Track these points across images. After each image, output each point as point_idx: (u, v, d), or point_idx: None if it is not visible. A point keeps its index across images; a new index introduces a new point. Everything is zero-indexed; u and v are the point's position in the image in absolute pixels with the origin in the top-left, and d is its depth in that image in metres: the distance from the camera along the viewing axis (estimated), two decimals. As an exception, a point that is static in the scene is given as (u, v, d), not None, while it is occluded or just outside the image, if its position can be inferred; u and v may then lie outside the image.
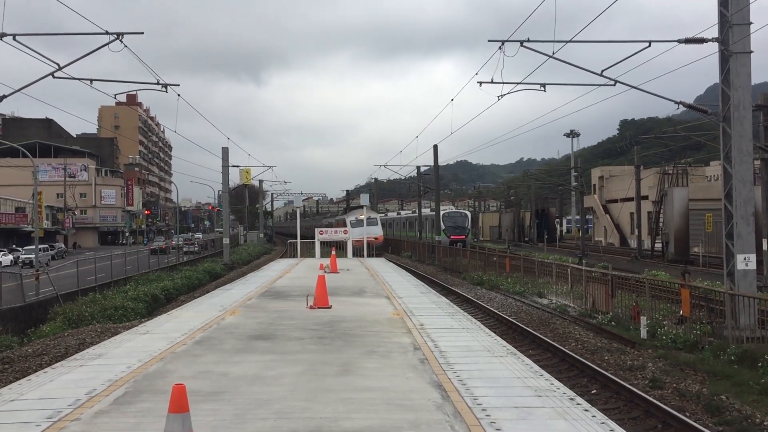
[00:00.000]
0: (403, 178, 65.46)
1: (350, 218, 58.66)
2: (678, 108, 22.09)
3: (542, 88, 19.11)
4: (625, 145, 78.70)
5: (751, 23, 17.04)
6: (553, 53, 17.63)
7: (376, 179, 75.89)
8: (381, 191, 73.75)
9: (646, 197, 54.00)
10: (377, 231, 58.47)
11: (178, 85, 21.30)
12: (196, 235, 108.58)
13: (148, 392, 7.42)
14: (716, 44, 17.58)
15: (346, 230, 35.98)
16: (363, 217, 51.26)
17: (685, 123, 57.73)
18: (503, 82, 18.95)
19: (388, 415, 6.48)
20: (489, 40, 18.22)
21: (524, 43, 17.74)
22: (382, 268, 26.65)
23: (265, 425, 6.20)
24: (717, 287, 19.13)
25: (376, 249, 51.84)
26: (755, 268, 17.41)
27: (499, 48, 18.10)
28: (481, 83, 19.11)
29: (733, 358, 14.74)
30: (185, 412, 4.20)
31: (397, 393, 7.33)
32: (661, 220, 47.65)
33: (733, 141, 17.11)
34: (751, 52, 17.09)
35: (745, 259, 16.96)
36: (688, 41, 17.99)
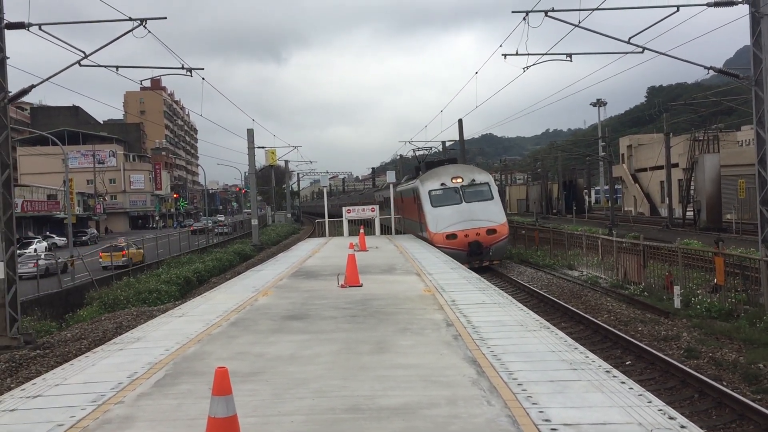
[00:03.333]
0: (428, 153, 64.89)
1: (427, 187, 30.30)
2: (708, 73, 21.65)
3: (568, 58, 18.84)
4: (654, 112, 77.45)
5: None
6: (579, 22, 17.35)
7: (401, 155, 75.59)
8: (407, 168, 73.48)
9: (676, 165, 53.19)
10: (494, 213, 29.19)
11: (203, 69, 21.37)
12: (219, 218, 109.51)
13: (187, 374, 7.56)
14: (746, 6, 17.17)
15: (373, 208, 35.84)
16: (458, 182, 29.39)
17: (715, 88, 56.63)
18: (528, 54, 18.72)
19: (424, 392, 6.53)
20: (513, 12, 18.00)
21: (549, 13, 17.49)
22: (411, 245, 26.72)
23: (303, 404, 6.29)
24: (752, 254, 18.87)
25: (496, 253, 29.24)
26: (791, 234, 17.12)
27: (523, 19, 17.86)
28: (505, 56, 18.90)
29: (769, 325, 14.57)
30: (228, 394, 4.28)
31: (433, 370, 7.37)
32: (692, 187, 46.96)
33: (766, 105, 16.76)
34: (784, 12, 16.66)
35: (780, 225, 16.67)
36: (717, 4, 17.59)
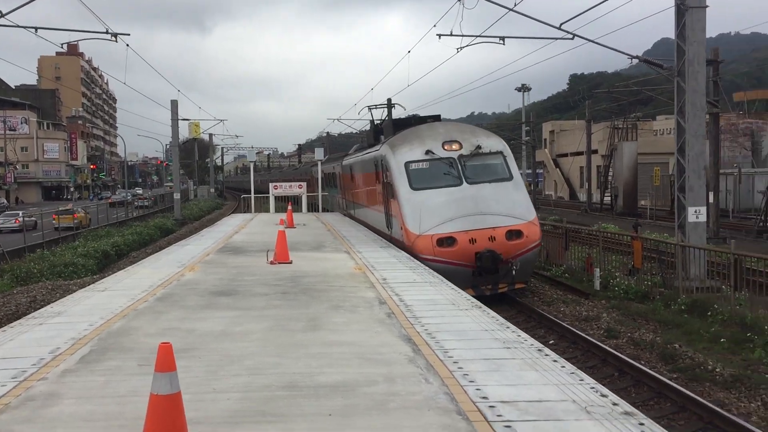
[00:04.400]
0: (356, 132, 64.62)
1: (403, 156, 18.00)
2: (631, 62, 22.28)
3: (501, 41, 19.02)
4: (576, 99, 79.50)
5: (707, 6, 17.17)
6: (515, 6, 17.52)
7: (328, 133, 75.16)
8: (334, 146, 73.01)
9: (596, 151, 54.87)
10: (517, 203, 17.28)
11: (129, 35, 20.52)
12: (138, 191, 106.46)
13: (114, 350, 7.27)
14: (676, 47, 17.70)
15: (300, 185, 35.45)
16: (454, 149, 17.69)
17: (633, 78, 58.48)
18: (462, 35, 18.81)
19: (361, 369, 6.48)
20: (448, -8, 17.96)
21: (484, -5, 17.54)
22: (339, 223, 26.57)
23: (239, 381, 6.15)
24: (667, 239, 19.65)
25: (522, 271, 17.07)
26: (705, 220, 17.91)
27: (459, 0, 17.90)
28: (440, 36, 18.93)
29: (683, 307, 15.24)
30: (173, 371, 4.11)
31: (368, 347, 7.34)
32: (610, 173, 48.56)
33: (687, 96, 17.39)
34: (707, 6, 17.27)
35: (695, 211, 17.41)
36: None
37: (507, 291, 17.00)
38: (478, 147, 17.61)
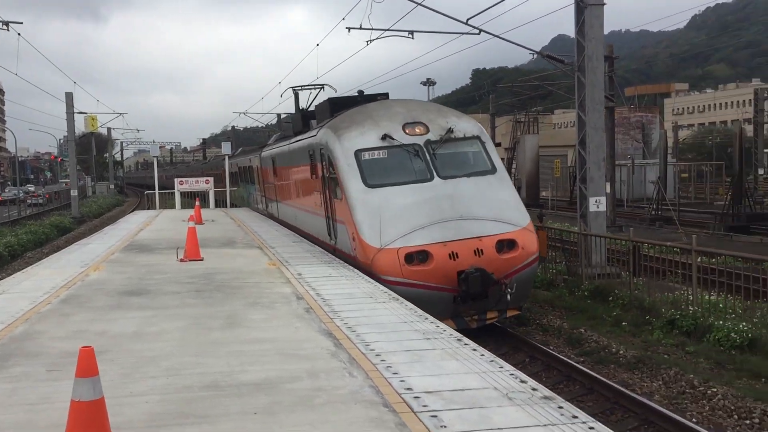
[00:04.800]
0: (263, 126, 63.69)
1: (351, 143, 13.67)
2: (533, 56, 22.99)
3: (410, 36, 19.21)
4: (480, 94, 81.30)
5: (604, 3, 17.88)
6: (423, 0, 17.70)
7: (233, 127, 73.80)
8: (240, 140, 71.76)
9: (499, 144, 56.33)
10: (506, 203, 13.26)
11: (22, 23, 19.44)
12: (29, 188, 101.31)
13: (18, 356, 6.90)
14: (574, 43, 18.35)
15: (207, 180, 34.62)
16: (419, 133, 13.66)
17: (533, 72, 60.37)
18: (372, 29, 18.86)
19: (283, 366, 6.42)
20: (357, -15, 17.96)
21: (392, -11, 17.62)
22: (249, 218, 26.16)
23: (157, 383, 5.97)
24: (570, 228, 20.43)
25: (519, 294, 12.79)
26: (605, 209, 18.72)
27: (367, -7, 17.91)
28: (349, 29, 18.93)
29: (586, 293, 15.89)
30: (95, 375, 3.93)
31: (289, 343, 7.27)
32: (514, 166, 49.98)
33: (587, 90, 18.09)
34: (604, 4, 18.00)
35: (596, 201, 18.17)
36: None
37: (498, 321, 13.23)
38: (450, 131, 13.55)
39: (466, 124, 14.16)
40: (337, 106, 16.99)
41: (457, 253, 12.06)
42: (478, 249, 12.19)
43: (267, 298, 9.74)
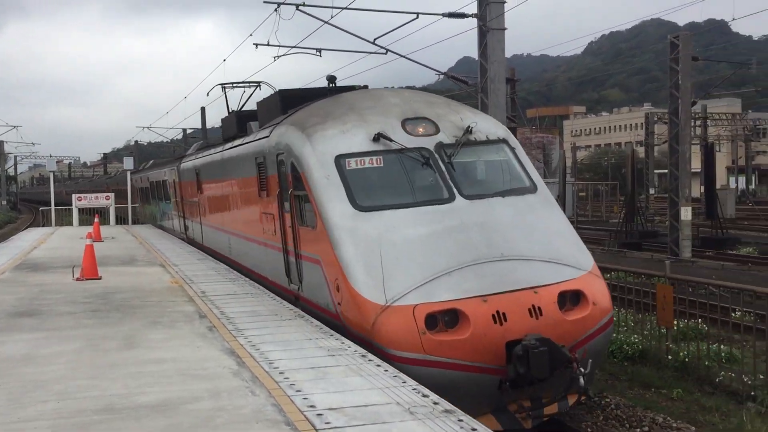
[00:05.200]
0: (167, 141, 62.13)
1: (331, 146, 9.44)
2: (439, 77, 23.56)
3: (318, 53, 19.30)
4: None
5: (505, 1, 18.59)
6: (331, 17, 17.84)
7: (137, 142, 71.65)
8: (143, 155, 69.81)
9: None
10: (557, 235, 9.02)
11: None
12: None
13: None
14: (475, 20, 18.95)
15: (107, 196, 33.42)
16: (424, 133, 9.59)
17: (439, 92, 61.60)
18: (279, 45, 18.82)
19: (184, 386, 6.28)
20: (264, 1, 17.96)
21: (300, 7, 17.75)
22: (151, 235, 25.42)
23: (47, 408, 5.71)
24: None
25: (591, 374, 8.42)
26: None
27: (275, 10, 17.92)
28: (257, 45, 18.83)
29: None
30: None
31: (190, 363, 7.11)
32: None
33: (490, 111, 18.65)
34: (505, 29, 18.68)
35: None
36: (451, 15, 19.18)
37: (558, 413, 8.62)
38: (468, 131, 9.67)
39: (487, 123, 10.23)
40: (292, 101, 12.44)
41: (504, 314, 7.82)
42: (534, 306, 7.94)
43: (168, 317, 9.49)
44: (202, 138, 43.13)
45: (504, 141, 10.06)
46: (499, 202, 9.16)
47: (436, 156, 9.35)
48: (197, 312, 9.88)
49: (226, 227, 15.64)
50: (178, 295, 11.41)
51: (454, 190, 9.04)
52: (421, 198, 9.04)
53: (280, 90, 13.28)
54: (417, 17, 18.82)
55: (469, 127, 9.82)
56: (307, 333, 8.46)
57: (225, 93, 20.26)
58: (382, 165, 9.27)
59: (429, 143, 9.46)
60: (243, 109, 18.07)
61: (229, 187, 14.91)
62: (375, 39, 18.81)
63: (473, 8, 18.89)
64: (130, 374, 6.69)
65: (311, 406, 5.68)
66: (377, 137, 9.41)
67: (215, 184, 16.54)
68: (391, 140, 9.38)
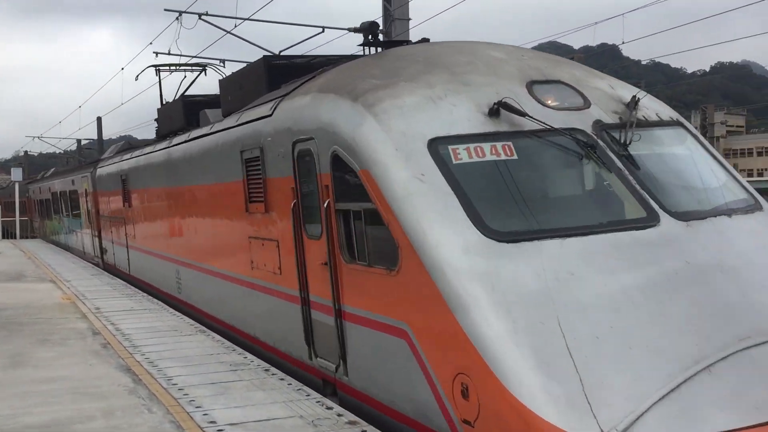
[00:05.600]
0: (60, 152, 59.52)
1: (437, 125, 5.41)
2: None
3: (221, 64, 18.92)
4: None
5: (410, 19, 18.85)
6: (235, 26, 17.56)
7: (26, 152, 68.15)
8: (33, 167, 66.51)
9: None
10: None
11: None
12: None
13: None
14: (381, 35, 19.17)
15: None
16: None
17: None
18: (180, 54, 18.33)
19: (75, 406, 5.99)
20: (165, 9, 17.51)
21: (203, 17, 17.38)
22: (41, 250, 24.21)
23: None
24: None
25: None
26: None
27: (176, 19, 17.49)
28: (157, 53, 18.30)
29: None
30: None
31: (83, 381, 6.80)
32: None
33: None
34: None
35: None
36: (357, 30, 19.28)
37: None
38: (634, 104, 6.03)
39: (650, 101, 6.51)
40: (286, 73, 8.65)
41: None
42: None
43: (59, 335, 9.05)
44: (97, 150, 41.49)
45: (680, 124, 6.47)
46: (730, 225, 5.46)
47: (601, 143, 5.57)
48: (90, 329, 9.48)
49: (174, 254, 11.54)
50: (70, 311, 10.91)
51: (653, 205, 5.26)
52: (599, 217, 5.28)
53: (264, 57, 9.44)
54: (323, 31, 18.79)
55: (634, 98, 6.04)
56: (209, 348, 8.25)
57: (159, 77, 16.39)
58: (514, 157, 5.38)
59: (581, 121, 5.72)
60: (186, 95, 14.26)
61: (182, 196, 10.93)
62: (280, 51, 18.65)
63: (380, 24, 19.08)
64: (16, 394, 6.32)
65: (212, 422, 5.52)
66: (495, 109, 5.55)
67: (155, 194, 12.54)
68: (523, 113, 5.50)
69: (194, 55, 18.85)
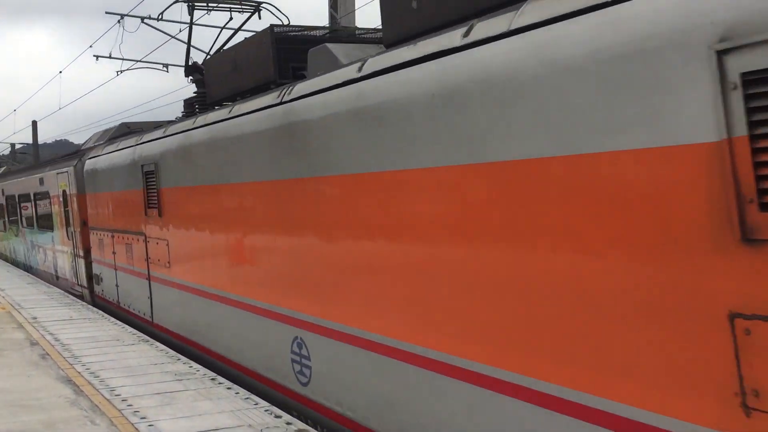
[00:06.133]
0: (-6, 156, 57.42)
1: None
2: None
3: (165, 69, 18.61)
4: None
5: (357, 28, 18.93)
6: (180, 32, 17.30)
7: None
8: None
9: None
10: None
11: None
12: None
13: None
14: (328, 43, 19.19)
15: None
16: None
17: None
18: (123, 59, 17.95)
19: (14, 419, 5.80)
20: (107, 12, 17.15)
21: (145, 20, 17.08)
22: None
23: None
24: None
25: None
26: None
27: (118, 22, 17.14)
28: (97, 57, 17.88)
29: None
30: None
31: (21, 394, 6.58)
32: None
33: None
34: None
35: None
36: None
37: None
38: None
39: None
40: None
41: None
42: None
43: (-5, 346, 8.74)
44: (32, 154, 40.13)
45: None
46: None
47: None
48: (28, 339, 9.19)
49: (294, 308, 6.27)
50: (5, 321, 10.56)
51: None
52: None
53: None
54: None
55: None
56: (152, 358, 8.10)
57: (191, 18, 12.29)
58: None
59: None
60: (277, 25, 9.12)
61: (296, 197, 6.08)
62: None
63: (324, 31, 19.11)
64: (-51, 409, 6.08)
65: (157, 433, 5.43)
66: None
67: (229, 194, 7.38)
68: None
69: (138, 59, 18.52)
